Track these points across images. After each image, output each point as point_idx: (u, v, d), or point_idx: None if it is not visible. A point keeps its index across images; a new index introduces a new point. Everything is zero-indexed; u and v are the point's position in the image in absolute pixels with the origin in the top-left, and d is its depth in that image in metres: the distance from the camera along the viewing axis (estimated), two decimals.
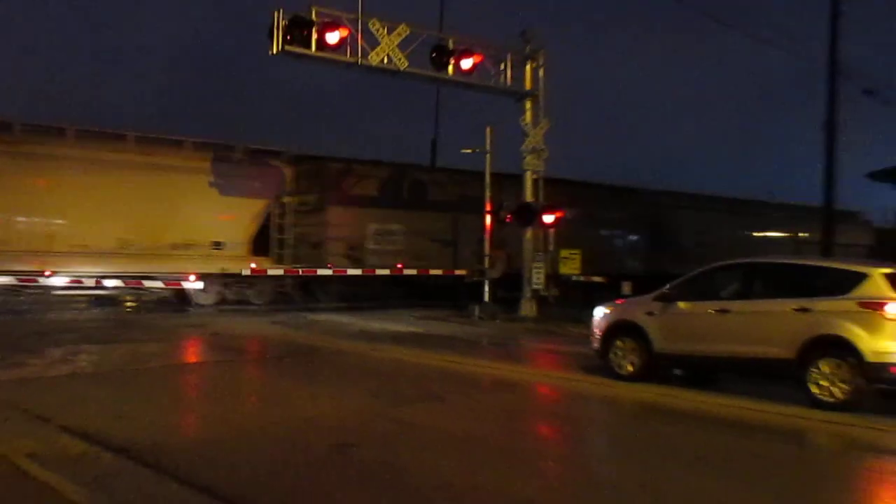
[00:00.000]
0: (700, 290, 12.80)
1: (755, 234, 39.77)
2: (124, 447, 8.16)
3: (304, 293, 28.52)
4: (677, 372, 13.26)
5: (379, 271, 28.53)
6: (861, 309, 10.79)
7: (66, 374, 13.46)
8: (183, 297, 26.27)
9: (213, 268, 25.70)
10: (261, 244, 26.90)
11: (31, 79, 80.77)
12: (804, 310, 11.22)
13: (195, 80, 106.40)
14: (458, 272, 28.84)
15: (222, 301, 26.43)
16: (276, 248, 27.02)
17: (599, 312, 13.84)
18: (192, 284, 25.51)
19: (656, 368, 12.83)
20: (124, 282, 24.77)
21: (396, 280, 29.08)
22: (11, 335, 18.01)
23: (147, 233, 24.93)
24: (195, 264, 25.36)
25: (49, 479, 7.02)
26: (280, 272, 27.11)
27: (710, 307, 12.30)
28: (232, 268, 26.08)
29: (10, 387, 11.67)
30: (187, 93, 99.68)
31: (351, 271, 28.06)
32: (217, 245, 25.85)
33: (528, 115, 25.07)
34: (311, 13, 20.26)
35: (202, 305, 25.98)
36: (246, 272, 26.37)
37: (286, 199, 27.23)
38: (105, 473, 7.32)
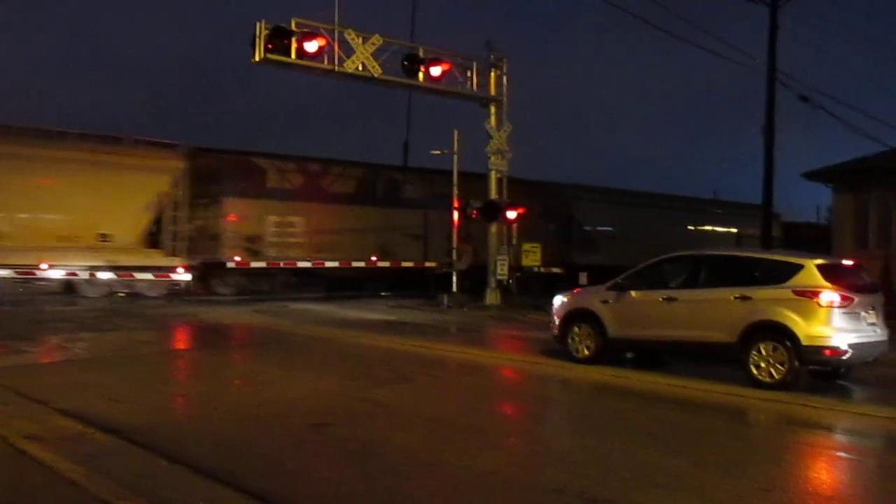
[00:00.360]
0: (650, 279, 12.88)
1: (679, 227, 38.38)
2: (118, 428, 8.09)
3: (202, 286, 27.05)
4: (629, 355, 13.37)
5: (356, 263, 28.45)
6: (797, 297, 10.93)
7: (63, 361, 13.33)
8: (70, 287, 24.72)
9: (100, 260, 24.24)
10: (157, 236, 25.62)
11: (24, 84, 79.65)
12: (745, 298, 11.34)
13: (187, 87, 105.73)
14: (428, 264, 28.86)
15: (111, 294, 25.05)
16: (170, 241, 25.54)
17: (558, 301, 13.91)
18: (181, 276, 25.25)
19: (610, 352, 12.92)
20: (117, 274, 24.43)
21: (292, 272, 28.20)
22: (10, 324, 17.80)
23: (29, 226, 23.66)
24: (81, 257, 24.06)
25: (46, 458, 6.94)
26: (263, 264, 26.86)
27: (659, 296, 12.40)
28: (122, 260, 24.69)
29: (10, 372, 11.51)
30: (180, 99, 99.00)
31: (329, 264, 27.92)
32: (104, 237, 24.36)
33: (493, 119, 25.23)
34: (291, 24, 20.23)
35: (89, 297, 24.30)
36: (231, 265, 26.12)
37: (179, 192, 25.65)
38: (99, 453, 7.24)
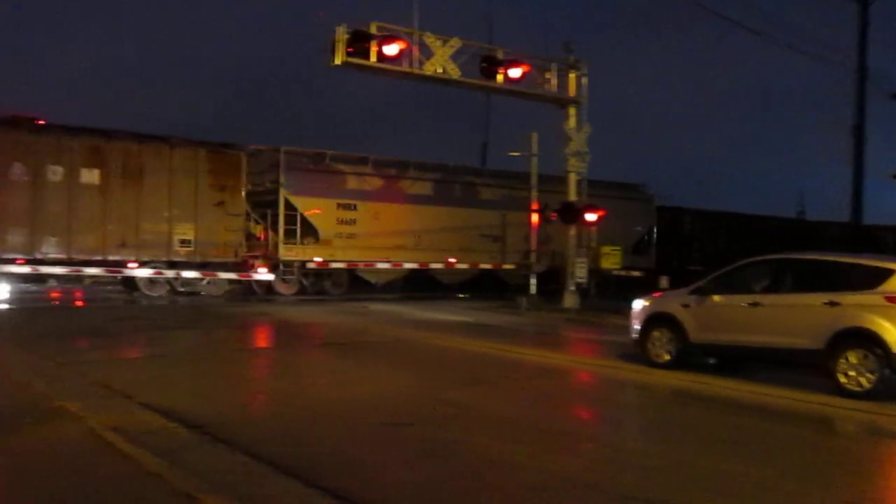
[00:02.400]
0: (733, 284, 12.57)
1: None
2: (199, 423, 8.25)
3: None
4: (711, 361, 13.08)
5: (434, 264, 28.45)
6: (888, 303, 10.54)
7: (148, 357, 13.69)
8: None
9: None
10: None
11: (102, 92, 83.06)
12: (833, 303, 10.99)
13: (264, 93, 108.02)
14: (506, 266, 28.74)
15: None
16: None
17: (638, 305, 13.69)
18: (263, 276, 25.62)
19: (690, 357, 12.67)
20: (201, 273, 24.90)
21: None
22: (100, 321, 18.36)
23: None
24: None
25: (131, 451, 7.11)
26: (342, 265, 27.07)
27: (742, 300, 12.10)
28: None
29: (99, 367, 11.86)
30: (257, 104, 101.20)
31: (407, 265, 28.01)
32: None
33: (572, 121, 25.01)
34: (371, 28, 20.39)
35: None
36: (311, 265, 26.43)
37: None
38: (181, 447, 7.40)
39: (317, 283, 27.58)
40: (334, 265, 27.24)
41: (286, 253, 26.31)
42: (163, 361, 13.06)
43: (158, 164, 24.65)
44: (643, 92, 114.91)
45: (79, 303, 23.36)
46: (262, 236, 26.88)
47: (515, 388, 11.59)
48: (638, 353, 13.40)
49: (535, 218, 26.10)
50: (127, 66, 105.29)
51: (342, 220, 27.33)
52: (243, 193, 25.75)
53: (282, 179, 26.26)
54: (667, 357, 12.80)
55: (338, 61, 20.10)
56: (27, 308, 21.45)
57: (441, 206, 29.15)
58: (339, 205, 27.26)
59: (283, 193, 26.18)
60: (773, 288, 12.12)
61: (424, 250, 28.48)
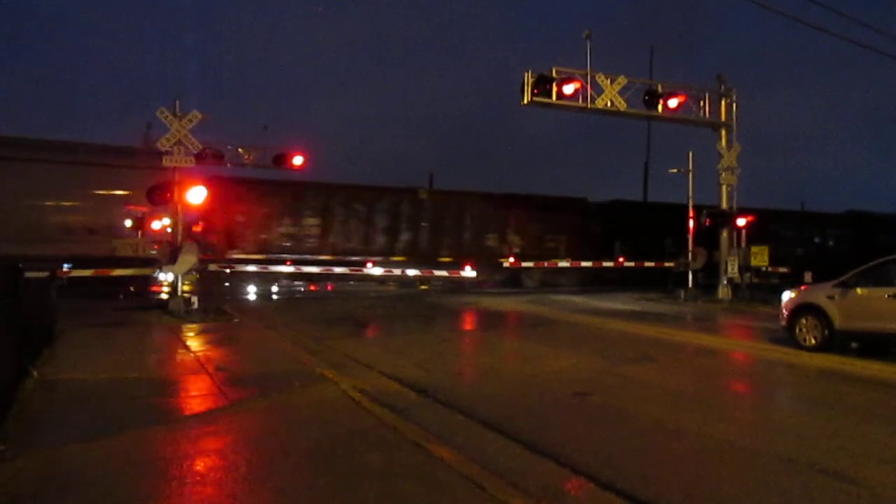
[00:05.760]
0: (874, 278, 11.53)
1: None
2: (424, 388, 8.53)
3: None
4: (854, 345, 12.04)
5: (606, 263, 28.00)
6: None
7: (385, 336, 14.20)
8: None
9: None
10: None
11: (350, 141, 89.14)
12: None
13: (455, 134, 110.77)
14: (667, 264, 27.69)
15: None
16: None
17: (786, 296, 12.87)
18: (468, 273, 26.02)
19: (835, 342, 11.74)
20: (421, 271, 25.70)
21: None
22: (345, 308, 19.31)
23: None
24: None
25: (373, 408, 7.47)
26: (530, 264, 27.11)
27: (884, 293, 11.07)
28: None
29: (348, 344, 12.51)
30: (453, 144, 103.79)
31: (584, 263, 27.68)
32: None
33: (724, 141, 23.83)
34: (551, 72, 20.30)
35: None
36: (506, 265, 26.63)
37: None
38: (411, 406, 7.69)
39: None
40: None
41: None
42: (397, 338, 13.56)
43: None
44: (787, 112, 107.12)
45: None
46: None
47: (679, 365, 11.15)
48: (786, 337, 12.59)
49: (691, 223, 25.01)
50: (369, 119, 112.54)
51: None
52: None
53: None
54: (813, 341, 11.94)
55: (526, 101, 20.15)
56: (289, 298, 22.93)
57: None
58: None
59: None
60: None
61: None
